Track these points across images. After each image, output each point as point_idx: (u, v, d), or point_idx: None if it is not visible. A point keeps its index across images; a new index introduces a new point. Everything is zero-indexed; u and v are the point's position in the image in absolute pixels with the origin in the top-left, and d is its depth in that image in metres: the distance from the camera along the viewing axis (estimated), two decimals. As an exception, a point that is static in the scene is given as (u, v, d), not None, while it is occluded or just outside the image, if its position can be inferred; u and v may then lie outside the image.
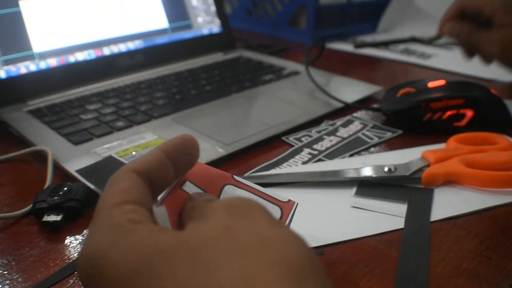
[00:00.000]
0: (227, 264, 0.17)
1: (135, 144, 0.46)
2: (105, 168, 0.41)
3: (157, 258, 0.18)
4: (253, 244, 0.18)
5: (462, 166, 0.40)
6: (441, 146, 0.46)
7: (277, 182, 0.40)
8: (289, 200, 0.29)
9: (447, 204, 0.38)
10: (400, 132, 0.50)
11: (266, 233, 0.19)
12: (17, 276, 0.31)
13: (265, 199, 0.29)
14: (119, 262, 0.18)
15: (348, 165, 0.43)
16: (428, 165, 0.41)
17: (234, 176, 0.29)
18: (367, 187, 0.40)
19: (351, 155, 0.46)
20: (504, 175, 0.39)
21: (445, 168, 0.40)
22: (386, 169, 0.41)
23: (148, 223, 0.21)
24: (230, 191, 0.29)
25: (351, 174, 0.40)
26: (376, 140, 0.49)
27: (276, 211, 0.29)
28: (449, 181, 0.40)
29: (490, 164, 0.41)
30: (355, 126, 0.52)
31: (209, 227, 0.19)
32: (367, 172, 0.40)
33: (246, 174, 0.42)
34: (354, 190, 0.40)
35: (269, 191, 0.29)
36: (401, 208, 0.37)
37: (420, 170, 0.41)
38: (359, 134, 0.50)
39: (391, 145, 0.48)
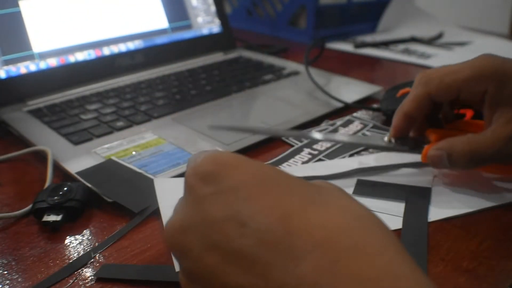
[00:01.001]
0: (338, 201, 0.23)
1: (135, 144, 0.46)
2: (105, 170, 0.41)
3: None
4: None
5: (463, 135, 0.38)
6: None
7: None
8: None
9: (446, 204, 0.38)
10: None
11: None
12: (17, 276, 0.31)
13: None
14: None
15: (347, 165, 0.43)
16: (429, 142, 0.40)
17: None
18: (365, 186, 0.40)
19: (351, 155, 0.46)
20: None
21: (447, 140, 0.38)
22: (385, 139, 0.41)
23: None
24: None
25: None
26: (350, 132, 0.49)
27: None
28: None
29: None
30: (355, 126, 0.52)
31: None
32: (370, 140, 0.41)
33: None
34: (351, 189, 0.40)
35: None
36: (399, 208, 0.37)
37: (422, 146, 0.40)
38: (359, 134, 0.50)
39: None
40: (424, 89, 0.39)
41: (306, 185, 0.23)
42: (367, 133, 0.50)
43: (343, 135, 0.41)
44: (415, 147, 0.40)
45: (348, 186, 0.40)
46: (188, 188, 0.24)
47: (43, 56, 0.58)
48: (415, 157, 0.44)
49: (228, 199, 0.22)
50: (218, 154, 0.24)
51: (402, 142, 0.40)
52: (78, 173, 0.41)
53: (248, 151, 0.46)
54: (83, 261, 0.32)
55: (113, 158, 0.43)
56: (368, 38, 0.92)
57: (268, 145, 0.48)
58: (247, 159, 0.24)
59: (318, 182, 0.25)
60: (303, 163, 0.44)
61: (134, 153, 0.44)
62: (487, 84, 0.37)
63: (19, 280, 0.30)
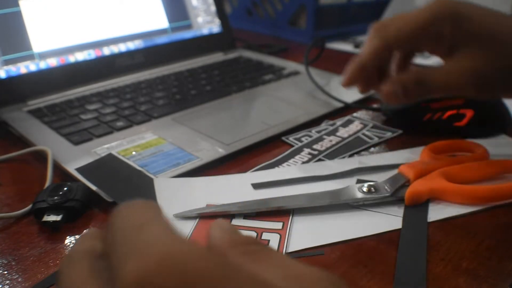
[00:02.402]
0: None
1: (135, 144, 0.46)
2: (105, 166, 0.41)
3: None
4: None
5: (444, 181, 0.38)
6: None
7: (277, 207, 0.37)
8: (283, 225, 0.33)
9: (446, 204, 0.38)
10: (400, 132, 0.50)
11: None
12: (17, 276, 0.31)
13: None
14: None
15: (347, 165, 0.43)
16: (408, 181, 0.39)
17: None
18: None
19: (351, 155, 0.46)
20: (489, 189, 0.37)
21: (428, 185, 0.37)
22: (365, 189, 0.38)
23: None
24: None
25: (328, 199, 0.37)
26: (376, 140, 0.49)
27: (274, 239, 0.32)
28: (433, 197, 0.38)
29: (472, 177, 0.39)
30: (355, 126, 0.52)
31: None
32: (346, 195, 0.37)
33: (248, 172, 0.42)
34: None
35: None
36: (399, 208, 0.37)
37: (402, 187, 0.38)
38: (359, 134, 0.50)
39: (391, 145, 0.48)
40: (382, 41, 0.38)
41: None
42: (367, 132, 0.50)
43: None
44: (395, 192, 0.38)
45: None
46: None
47: (43, 56, 0.58)
48: (415, 157, 0.44)
49: None
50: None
51: (378, 191, 0.38)
52: (77, 169, 0.41)
53: (248, 151, 0.46)
54: (83, 261, 0.32)
55: (113, 152, 0.43)
56: (368, 38, 0.92)
57: (268, 145, 0.48)
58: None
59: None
60: (303, 163, 0.44)
61: (134, 153, 0.44)
62: (444, 25, 0.37)
63: (19, 280, 0.30)
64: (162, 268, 0.14)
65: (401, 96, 0.38)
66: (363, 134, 0.50)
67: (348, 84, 0.40)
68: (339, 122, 0.53)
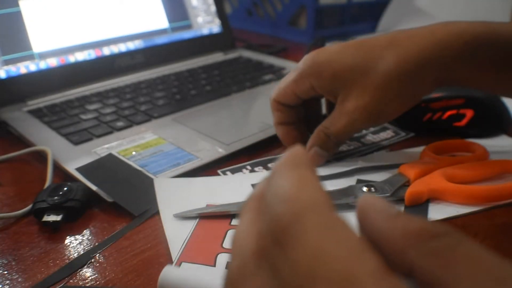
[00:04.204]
0: None
1: (135, 144, 0.46)
2: (105, 166, 0.41)
3: None
4: None
5: (444, 181, 0.37)
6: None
7: None
8: None
9: (446, 204, 0.38)
10: (411, 134, 0.50)
11: None
12: (17, 276, 0.31)
13: None
14: None
15: (347, 165, 0.43)
16: (408, 181, 0.39)
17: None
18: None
19: (352, 155, 0.46)
20: (489, 189, 0.37)
21: (428, 185, 0.37)
22: (365, 189, 0.37)
23: None
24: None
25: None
26: (376, 140, 0.49)
27: None
28: (433, 197, 0.38)
29: (472, 177, 0.39)
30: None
31: None
32: (346, 195, 0.37)
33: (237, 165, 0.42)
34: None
35: None
36: (399, 208, 0.37)
37: (402, 187, 0.38)
38: (359, 134, 0.50)
39: (391, 145, 0.48)
40: (272, 99, 0.44)
41: None
42: (367, 132, 0.50)
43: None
44: (395, 192, 0.37)
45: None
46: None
47: (43, 56, 0.58)
48: (415, 156, 0.44)
49: None
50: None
51: (378, 191, 0.37)
52: (77, 169, 0.41)
53: (248, 151, 0.46)
54: (83, 261, 0.32)
55: (113, 152, 0.43)
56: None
57: (268, 145, 0.48)
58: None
59: None
60: (303, 163, 0.44)
61: (134, 153, 0.44)
62: (309, 81, 0.41)
63: (19, 280, 0.30)
64: None
65: (325, 155, 0.42)
66: (363, 134, 0.50)
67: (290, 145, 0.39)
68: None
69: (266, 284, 0.14)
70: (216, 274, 0.29)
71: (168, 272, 0.29)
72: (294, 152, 0.16)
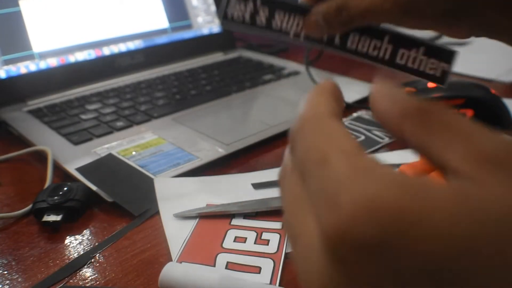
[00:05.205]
0: None
1: (135, 144, 0.46)
2: (105, 166, 0.41)
3: (501, 226, 0.13)
4: None
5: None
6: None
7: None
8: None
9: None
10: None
11: None
12: (17, 276, 0.31)
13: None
14: (444, 233, 0.13)
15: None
16: None
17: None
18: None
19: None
20: None
21: None
22: None
23: (425, 177, 0.14)
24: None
25: None
26: (376, 139, 0.49)
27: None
28: None
29: None
30: (355, 126, 0.52)
31: None
32: None
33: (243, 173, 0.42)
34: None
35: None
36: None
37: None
38: (359, 134, 0.50)
39: (391, 145, 0.48)
40: None
41: None
42: (367, 132, 0.50)
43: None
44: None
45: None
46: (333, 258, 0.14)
47: (43, 56, 0.58)
48: (415, 157, 0.44)
49: None
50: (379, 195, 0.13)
51: None
52: (77, 169, 0.41)
53: (248, 151, 0.46)
54: (83, 261, 0.32)
55: (113, 152, 0.43)
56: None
57: (268, 145, 0.48)
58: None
59: None
60: (303, 163, 0.44)
61: (134, 153, 0.44)
62: None
63: (19, 280, 0.30)
64: (367, 219, 0.13)
65: (324, 26, 0.33)
66: (363, 134, 0.50)
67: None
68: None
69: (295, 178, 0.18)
70: (216, 272, 0.29)
71: (170, 268, 0.29)
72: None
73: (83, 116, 0.52)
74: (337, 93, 0.20)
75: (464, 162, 0.14)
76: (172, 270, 0.29)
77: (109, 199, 0.37)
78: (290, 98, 0.58)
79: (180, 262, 0.31)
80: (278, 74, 0.66)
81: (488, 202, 0.13)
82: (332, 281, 0.14)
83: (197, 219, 0.36)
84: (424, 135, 0.15)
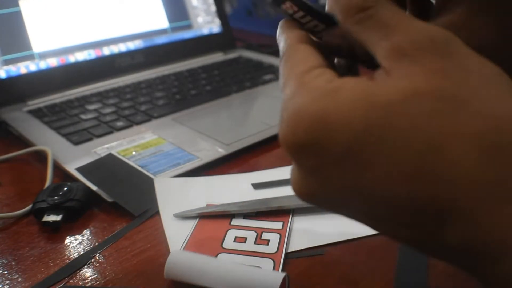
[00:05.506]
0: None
1: (135, 144, 0.46)
2: (105, 166, 0.41)
3: (386, 112, 0.16)
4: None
5: None
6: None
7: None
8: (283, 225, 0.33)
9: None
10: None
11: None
12: (17, 276, 0.31)
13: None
14: (343, 124, 0.16)
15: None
16: None
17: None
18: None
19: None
20: None
21: None
22: None
23: (349, 80, 0.17)
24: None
25: None
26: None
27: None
28: None
29: None
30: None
31: (422, 74, 0.16)
32: None
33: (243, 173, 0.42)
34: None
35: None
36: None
37: None
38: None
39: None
40: None
41: None
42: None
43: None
44: None
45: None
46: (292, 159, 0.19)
47: (43, 56, 0.58)
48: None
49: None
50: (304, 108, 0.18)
51: None
52: (77, 169, 0.41)
53: (248, 151, 0.46)
54: (83, 261, 0.32)
55: (113, 152, 0.43)
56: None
57: (268, 145, 0.48)
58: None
59: None
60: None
61: (134, 153, 0.44)
62: None
63: (19, 280, 0.30)
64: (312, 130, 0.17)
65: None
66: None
67: None
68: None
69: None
70: (220, 262, 0.30)
71: (176, 255, 0.29)
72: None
73: (83, 116, 0.52)
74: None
75: (385, 57, 0.16)
76: (178, 257, 0.29)
77: (109, 199, 0.37)
78: (290, 98, 0.58)
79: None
80: (278, 74, 0.66)
81: (380, 90, 0.16)
82: (294, 173, 0.19)
83: (197, 219, 0.36)
84: (361, 32, 0.18)
